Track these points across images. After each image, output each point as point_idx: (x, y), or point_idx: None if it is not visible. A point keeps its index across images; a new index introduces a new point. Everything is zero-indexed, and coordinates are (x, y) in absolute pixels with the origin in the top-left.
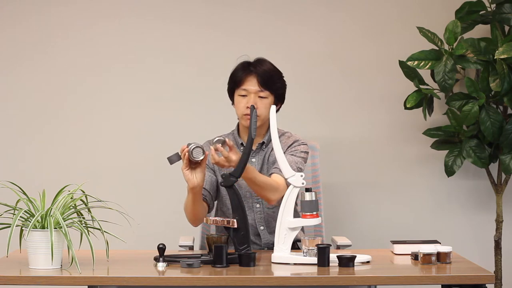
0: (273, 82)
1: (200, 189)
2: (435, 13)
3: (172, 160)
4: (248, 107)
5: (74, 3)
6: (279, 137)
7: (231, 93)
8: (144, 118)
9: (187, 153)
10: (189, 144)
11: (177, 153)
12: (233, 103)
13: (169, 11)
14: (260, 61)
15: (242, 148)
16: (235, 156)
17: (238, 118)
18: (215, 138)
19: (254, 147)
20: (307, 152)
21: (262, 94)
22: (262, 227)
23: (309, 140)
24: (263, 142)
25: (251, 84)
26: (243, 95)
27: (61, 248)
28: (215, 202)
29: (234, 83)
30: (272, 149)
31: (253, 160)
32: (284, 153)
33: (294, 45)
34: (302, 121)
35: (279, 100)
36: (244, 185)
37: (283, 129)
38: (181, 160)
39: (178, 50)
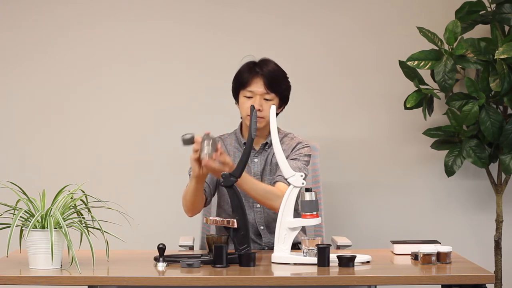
0: (279, 84)
1: (203, 178)
2: (435, 13)
3: (185, 141)
4: None
5: (74, 3)
6: (282, 138)
7: (235, 93)
8: (144, 118)
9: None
10: (204, 137)
11: (193, 137)
12: (236, 103)
13: (169, 11)
14: (265, 62)
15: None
16: (228, 158)
17: (241, 118)
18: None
19: (257, 147)
20: (309, 155)
21: (267, 96)
22: (262, 227)
23: (309, 140)
24: (266, 143)
25: (257, 86)
26: (249, 97)
27: (61, 248)
28: (216, 200)
29: (240, 84)
30: None
31: (256, 160)
32: (288, 156)
33: (294, 45)
34: (302, 121)
35: (283, 102)
36: None
37: (285, 129)
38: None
39: (178, 50)
